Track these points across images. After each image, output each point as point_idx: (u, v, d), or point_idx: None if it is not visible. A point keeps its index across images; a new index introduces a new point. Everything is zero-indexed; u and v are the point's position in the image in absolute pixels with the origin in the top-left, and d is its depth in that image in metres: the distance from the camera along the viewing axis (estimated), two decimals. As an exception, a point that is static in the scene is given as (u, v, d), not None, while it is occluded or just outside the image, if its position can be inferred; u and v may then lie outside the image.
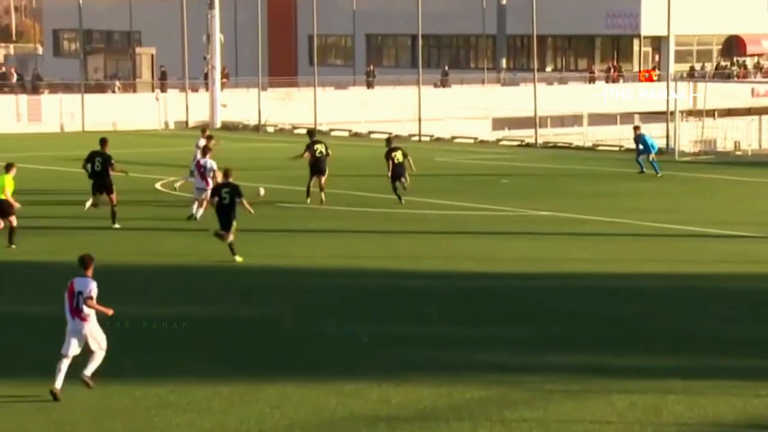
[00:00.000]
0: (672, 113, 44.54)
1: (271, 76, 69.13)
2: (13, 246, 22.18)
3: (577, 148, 47.36)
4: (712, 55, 74.69)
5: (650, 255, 22.42)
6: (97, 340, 13.15)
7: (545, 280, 20.15)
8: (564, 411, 12.84)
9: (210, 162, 25.61)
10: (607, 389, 13.53)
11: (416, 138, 50.68)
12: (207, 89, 57.46)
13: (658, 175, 35.03)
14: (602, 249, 23.16)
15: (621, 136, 50.68)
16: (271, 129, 54.75)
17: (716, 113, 57.87)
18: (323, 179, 28.50)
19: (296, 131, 53.25)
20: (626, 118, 52.10)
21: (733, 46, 74.38)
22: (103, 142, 24.96)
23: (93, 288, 13.00)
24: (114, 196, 24.58)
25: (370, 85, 66.59)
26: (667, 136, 45.36)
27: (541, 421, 12.43)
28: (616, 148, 47.19)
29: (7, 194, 22.34)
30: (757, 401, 13.13)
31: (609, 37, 73.95)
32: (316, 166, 28.58)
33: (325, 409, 12.85)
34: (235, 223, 21.02)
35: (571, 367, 14.52)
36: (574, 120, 54.23)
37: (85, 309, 12.97)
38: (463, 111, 54.88)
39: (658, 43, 70.73)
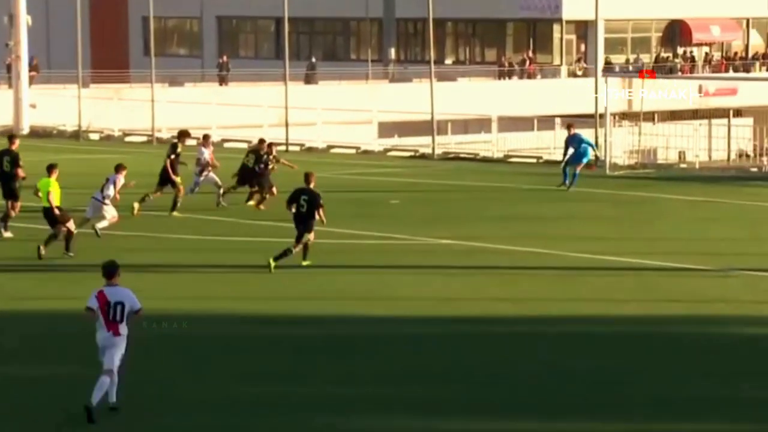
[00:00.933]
0: (601, 117, 45.31)
1: (95, 70, 68.45)
2: (71, 254, 24.99)
3: (485, 159, 47.85)
4: (650, 45, 76.29)
5: (581, 294, 22.75)
6: (116, 360, 15.00)
7: (452, 325, 20.28)
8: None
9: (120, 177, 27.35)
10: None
11: (283, 147, 50.62)
12: (10, 85, 56.57)
13: (568, 188, 36.10)
14: (522, 287, 23.45)
15: (539, 144, 51.46)
16: (95, 136, 54.13)
17: (656, 116, 59.04)
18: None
19: (128, 139, 52.71)
20: (545, 122, 52.89)
21: (676, 33, 76.11)
22: (12, 138, 28.71)
23: (135, 299, 15.19)
24: (18, 205, 27.39)
25: (223, 81, 66.40)
26: (596, 144, 46.13)
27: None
28: (534, 160, 47.85)
29: (52, 201, 24.92)
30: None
31: (523, 22, 75.02)
32: (161, 176, 30.78)
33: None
34: (311, 234, 24.17)
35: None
36: (481, 125, 54.75)
37: (122, 327, 15.04)
38: (342, 114, 55.00)
39: (584, 30, 72.02)
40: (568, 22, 72.82)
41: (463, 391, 16.63)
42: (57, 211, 25.09)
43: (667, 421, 15.40)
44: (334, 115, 54.21)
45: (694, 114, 64.21)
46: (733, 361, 18.35)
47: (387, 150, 51.61)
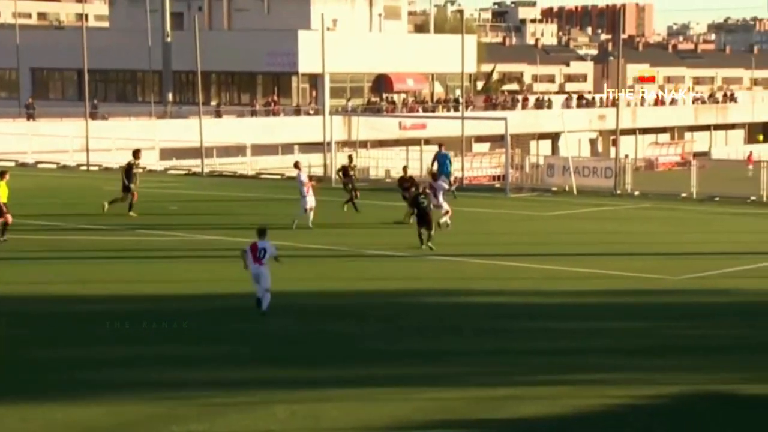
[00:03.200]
0: (329, 144, 45.61)
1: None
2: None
3: (242, 176, 47.53)
4: (364, 92, 77.20)
5: (320, 274, 22.80)
6: (269, 279, 18.20)
7: (214, 300, 19.97)
8: (230, 422, 12.74)
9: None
10: (271, 400, 13.55)
11: (85, 167, 49.17)
12: None
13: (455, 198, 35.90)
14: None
15: (282, 165, 51.47)
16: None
17: (369, 144, 59.78)
18: None
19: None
20: (287, 148, 52.89)
21: (382, 83, 77.26)
22: None
23: (274, 248, 18.46)
24: None
25: (30, 117, 64.21)
26: (325, 165, 46.50)
27: (208, 433, 12.26)
28: (279, 176, 47.79)
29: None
30: (406, 405, 13.53)
31: (269, 74, 74.89)
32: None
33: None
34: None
35: (238, 382, 14.44)
36: (239, 150, 54.34)
37: (263, 261, 18.07)
38: (131, 142, 53.72)
39: (315, 80, 72.32)
40: (303, 74, 72.99)
41: (225, 349, 16.37)
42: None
43: (382, 366, 15.48)
44: (126, 143, 52.99)
45: (396, 142, 65.29)
46: (419, 322, 18.60)
47: (167, 169, 50.78)
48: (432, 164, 39.12)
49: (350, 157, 34.90)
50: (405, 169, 33.19)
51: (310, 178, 31.33)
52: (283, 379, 14.66)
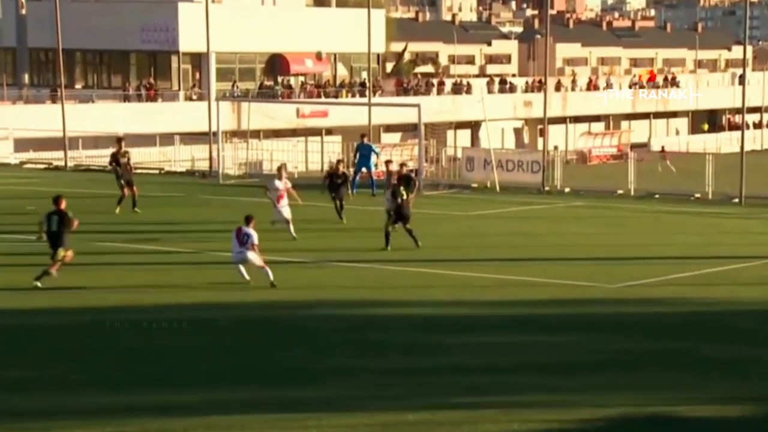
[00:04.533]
0: (215, 134, 45.37)
1: None
2: None
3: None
4: (255, 74, 76.96)
5: (202, 283, 22.69)
6: (258, 260, 22.03)
7: (62, 315, 19.79)
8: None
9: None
10: (145, 429, 13.42)
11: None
12: None
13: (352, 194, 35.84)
14: (145, 277, 23.13)
15: (161, 158, 51.08)
16: None
17: (262, 134, 59.65)
18: None
19: None
20: (167, 139, 52.47)
21: (277, 65, 77.03)
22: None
23: (256, 237, 22.03)
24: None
25: None
26: (210, 159, 46.21)
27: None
28: (157, 171, 47.44)
29: None
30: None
31: (145, 53, 74.20)
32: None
33: None
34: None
35: (84, 410, 14.25)
36: (110, 141, 53.71)
37: (247, 246, 21.86)
38: (-20, 130, 52.85)
39: (199, 60, 71.90)
40: (184, 54, 72.45)
41: (62, 371, 16.23)
42: None
43: (272, 389, 15.49)
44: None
45: (293, 132, 65.29)
46: (317, 336, 18.64)
47: (23, 163, 50.05)
48: (354, 157, 39.34)
49: (338, 163, 33.07)
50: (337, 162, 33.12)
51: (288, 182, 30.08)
52: (145, 405, 14.51)
